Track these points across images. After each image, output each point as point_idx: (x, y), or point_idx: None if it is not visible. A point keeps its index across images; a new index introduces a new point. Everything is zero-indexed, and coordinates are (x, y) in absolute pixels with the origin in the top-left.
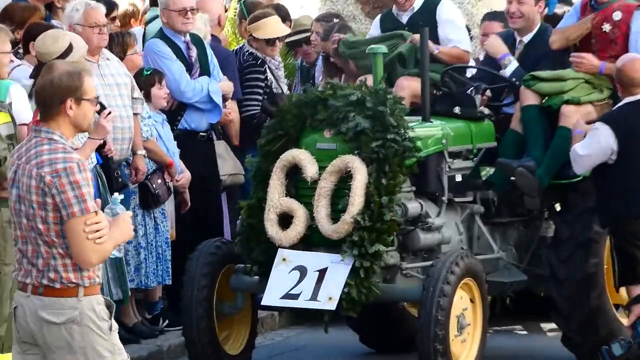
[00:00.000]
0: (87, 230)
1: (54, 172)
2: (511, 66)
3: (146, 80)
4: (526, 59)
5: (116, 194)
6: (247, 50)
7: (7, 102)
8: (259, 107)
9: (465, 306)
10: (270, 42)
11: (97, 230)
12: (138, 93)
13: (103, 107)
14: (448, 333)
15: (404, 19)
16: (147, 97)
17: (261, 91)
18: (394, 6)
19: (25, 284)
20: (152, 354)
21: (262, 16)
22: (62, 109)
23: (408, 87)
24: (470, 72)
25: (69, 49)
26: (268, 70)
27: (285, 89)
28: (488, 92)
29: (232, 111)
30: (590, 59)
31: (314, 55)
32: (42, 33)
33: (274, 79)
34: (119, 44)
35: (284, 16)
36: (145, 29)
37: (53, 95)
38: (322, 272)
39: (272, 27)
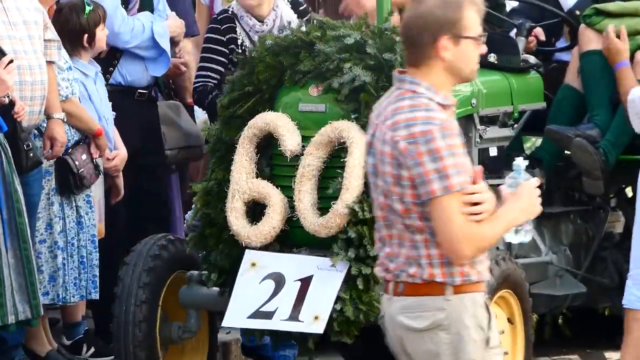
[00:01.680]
0: (459, 211)
1: (410, 137)
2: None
3: (90, 18)
4: None
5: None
6: None
7: None
8: (209, 81)
9: (501, 328)
10: None
11: (476, 213)
12: (52, 33)
13: (3, 54)
14: None
15: None
16: (90, 42)
17: (223, 59)
18: None
19: (386, 281)
20: None
21: None
22: (434, 50)
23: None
24: (510, 5)
25: None
26: (243, 32)
27: None
28: (540, 35)
29: (185, 54)
30: None
31: None
32: None
33: (251, 45)
34: None
35: None
36: None
37: (422, 32)
38: (305, 282)
39: None
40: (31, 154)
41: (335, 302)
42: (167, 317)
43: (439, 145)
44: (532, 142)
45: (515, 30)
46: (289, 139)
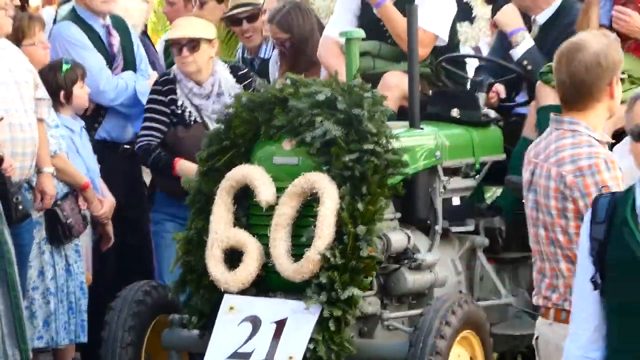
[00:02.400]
0: None
1: (577, 170)
2: (524, 44)
3: (67, 77)
4: (542, 44)
5: None
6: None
7: None
8: (153, 139)
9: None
10: (179, 47)
11: None
12: (43, 92)
13: None
14: None
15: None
16: (68, 99)
17: (164, 118)
18: None
19: (547, 308)
20: None
21: (193, 14)
22: (605, 93)
23: (397, 85)
24: (472, 65)
25: None
26: (186, 94)
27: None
28: (501, 92)
29: None
30: (636, 18)
31: (257, 40)
32: None
33: (196, 112)
34: (15, 30)
35: None
36: (57, 11)
37: (599, 77)
38: (280, 324)
39: (178, 28)
40: (20, 207)
41: (309, 343)
42: (151, 359)
43: (605, 177)
44: (493, 192)
45: (476, 86)
46: (265, 190)
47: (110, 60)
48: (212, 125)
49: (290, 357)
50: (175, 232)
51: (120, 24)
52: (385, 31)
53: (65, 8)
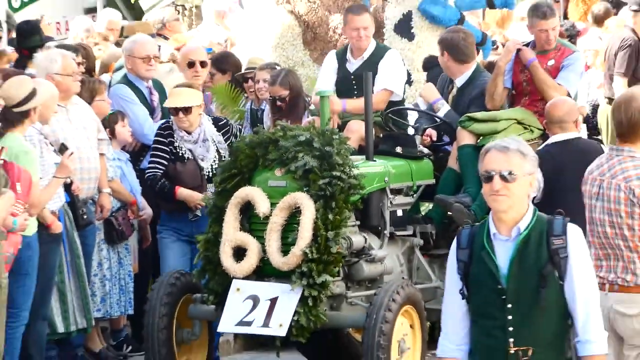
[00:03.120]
0: None
1: None
2: (443, 109)
3: (110, 118)
4: (459, 100)
5: None
6: None
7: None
8: (158, 171)
9: (405, 332)
10: (176, 111)
11: None
12: (104, 134)
13: (66, 148)
14: (390, 357)
15: (352, 67)
16: (112, 134)
17: (165, 156)
18: (348, 50)
19: (603, 284)
20: None
21: (183, 85)
22: None
23: (357, 130)
24: (412, 115)
25: (32, 93)
26: (180, 141)
27: (209, 163)
28: (432, 135)
29: None
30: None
31: (265, 94)
32: (9, 79)
33: (190, 153)
34: (87, 89)
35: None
36: (112, 76)
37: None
38: (273, 301)
39: (176, 97)
40: (85, 217)
41: (293, 315)
42: (180, 326)
43: None
44: (426, 206)
45: (414, 130)
46: (262, 205)
47: (151, 112)
48: (202, 162)
49: (280, 325)
50: (171, 240)
51: (158, 86)
52: (352, 89)
53: (119, 74)
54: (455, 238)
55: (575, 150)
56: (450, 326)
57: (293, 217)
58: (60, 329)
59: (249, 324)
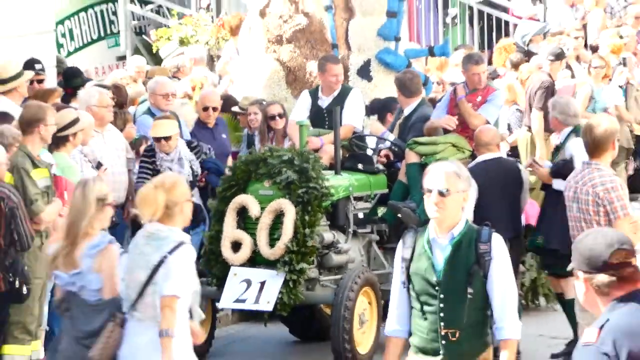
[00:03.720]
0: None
1: (605, 190)
2: (390, 138)
3: (137, 142)
4: (405, 125)
5: None
6: None
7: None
8: (144, 183)
9: (365, 307)
10: (157, 139)
11: None
12: (131, 154)
13: (101, 165)
14: (352, 327)
15: (324, 103)
16: (137, 154)
17: (149, 172)
18: (320, 89)
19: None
20: None
21: (162, 117)
22: (608, 148)
23: (328, 151)
24: (370, 140)
25: (75, 121)
26: (160, 160)
27: (186, 173)
28: (388, 153)
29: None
30: (452, 124)
31: (257, 124)
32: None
33: (169, 170)
34: (121, 119)
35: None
36: (137, 108)
37: (607, 141)
38: (262, 283)
39: (157, 128)
40: (113, 219)
41: (278, 294)
42: None
43: (621, 193)
44: (381, 210)
45: (372, 151)
46: (254, 208)
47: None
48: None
49: (268, 302)
50: None
51: (175, 115)
52: (324, 121)
53: (143, 106)
54: (401, 238)
55: (498, 166)
56: (395, 310)
57: (278, 218)
58: None
59: (243, 301)
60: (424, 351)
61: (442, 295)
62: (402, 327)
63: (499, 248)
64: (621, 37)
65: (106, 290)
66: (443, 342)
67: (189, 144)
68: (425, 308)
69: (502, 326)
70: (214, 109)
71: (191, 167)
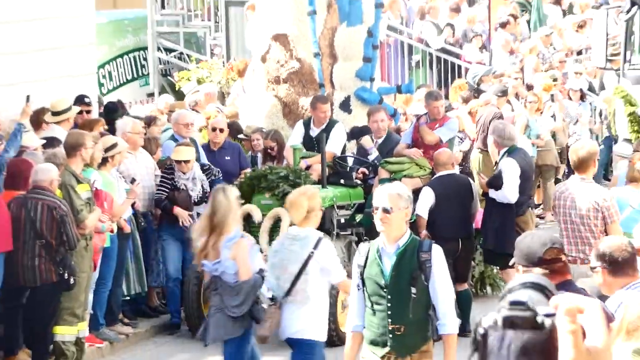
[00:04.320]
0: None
1: (603, 199)
2: (374, 154)
3: (162, 162)
4: (381, 150)
5: None
6: None
7: (91, 180)
8: (162, 195)
9: (346, 295)
10: (178, 162)
11: None
12: (158, 172)
13: (134, 180)
14: (336, 310)
15: (314, 133)
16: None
17: (168, 186)
18: (311, 121)
19: (575, 260)
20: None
21: (183, 144)
22: (592, 165)
23: (317, 170)
24: (350, 160)
25: (114, 145)
26: (178, 177)
27: (195, 193)
28: (364, 172)
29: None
30: (415, 153)
31: (259, 147)
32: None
33: (184, 186)
34: (151, 143)
35: (238, 129)
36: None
37: (590, 159)
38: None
39: (178, 153)
40: (142, 223)
41: None
42: (205, 290)
43: (614, 202)
44: (359, 216)
45: (351, 169)
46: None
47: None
48: (191, 192)
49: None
50: (169, 240)
51: (193, 142)
52: (314, 147)
53: (167, 133)
54: (358, 248)
55: (453, 181)
56: (354, 309)
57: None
58: (124, 292)
59: None
60: (374, 343)
61: (389, 296)
62: (360, 322)
63: (438, 256)
64: (555, 79)
65: (241, 274)
66: (390, 335)
67: (202, 166)
68: (376, 307)
69: (444, 323)
70: (221, 130)
71: (202, 186)
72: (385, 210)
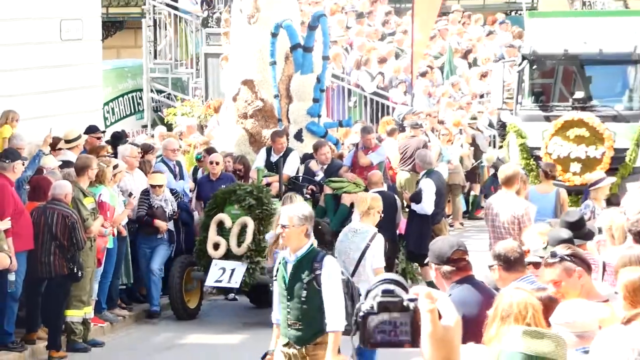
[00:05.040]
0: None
1: (520, 209)
2: (320, 175)
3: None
4: (327, 172)
5: None
6: None
7: (100, 194)
8: (143, 212)
9: None
10: (153, 186)
11: None
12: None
13: (131, 195)
14: None
15: (274, 159)
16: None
17: (146, 206)
18: (273, 149)
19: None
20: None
21: (156, 172)
22: (517, 182)
23: (276, 187)
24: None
25: (116, 166)
26: (152, 199)
27: (168, 211)
28: (313, 189)
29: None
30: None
31: (230, 169)
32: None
33: (159, 206)
34: (145, 165)
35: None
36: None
37: (516, 177)
38: (233, 270)
39: (153, 178)
40: (132, 230)
41: (242, 277)
42: (185, 283)
43: (529, 211)
44: None
45: (302, 187)
46: (227, 222)
47: (175, 177)
48: (165, 209)
49: (236, 282)
50: (145, 248)
51: (179, 163)
52: (273, 169)
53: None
54: (277, 262)
55: (382, 196)
56: (275, 306)
57: (243, 229)
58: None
59: (220, 281)
60: (283, 334)
61: (288, 297)
62: (278, 316)
63: (329, 265)
64: (474, 118)
65: None
66: (289, 329)
67: (171, 190)
68: (281, 305)
69: (330, 321)
70: (217, 163)
71: (172, 205)
72: (284, 227)
